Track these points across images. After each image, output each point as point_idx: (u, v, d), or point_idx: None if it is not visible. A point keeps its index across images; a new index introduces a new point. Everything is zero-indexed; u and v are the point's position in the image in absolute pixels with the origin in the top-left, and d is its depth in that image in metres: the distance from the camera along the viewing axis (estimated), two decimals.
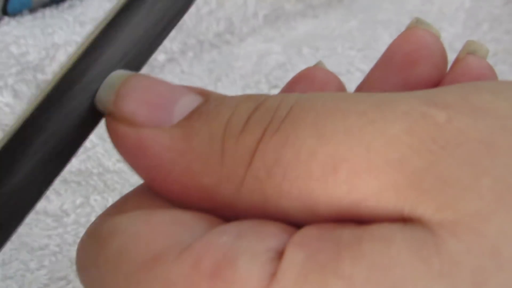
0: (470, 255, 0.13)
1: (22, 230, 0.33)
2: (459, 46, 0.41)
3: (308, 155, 0.15)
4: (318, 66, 0.22)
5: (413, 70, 0.20)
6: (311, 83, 0.22)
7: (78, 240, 0.33)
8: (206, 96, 0.18)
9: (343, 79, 0.41)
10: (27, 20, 0.40)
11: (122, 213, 0.16)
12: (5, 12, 0.42)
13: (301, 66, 0.42)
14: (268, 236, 0.15)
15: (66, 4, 0.42)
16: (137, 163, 0.17)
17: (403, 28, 0.21)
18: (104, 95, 0.17)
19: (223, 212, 0.16)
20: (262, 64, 0.42)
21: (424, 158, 0.14)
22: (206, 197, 0.16)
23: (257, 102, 0.16)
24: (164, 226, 0.15)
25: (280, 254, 0.14)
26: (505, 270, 0.13)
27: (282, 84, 0.40)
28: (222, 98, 0.17)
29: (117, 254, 0.15)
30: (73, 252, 0.33)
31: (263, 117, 0.16)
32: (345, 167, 0.14)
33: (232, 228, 0.15)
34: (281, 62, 0.42)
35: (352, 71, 0.41)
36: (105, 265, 0.15)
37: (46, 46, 0.39)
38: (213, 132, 0.16)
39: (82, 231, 0.34)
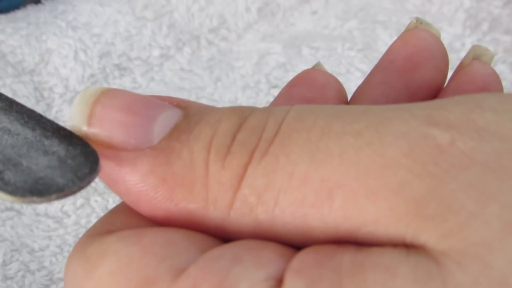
0: None
1: (22, 231, 0.33)
2: (459, 46, 0.41)
3: (301, 180, 0.14)
4: (317, 68, 0.22)
5: (415, 73, 0.20)
6: (310, 85, 0.21)
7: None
8: (185, 109, 0.16)
9: (343, 79, 0.41)
10: (21, 27, 0.41)
11: (110, 232, 0.15)
12: None
13: (301, 66, 0.42)
14: (266, 262, 0.14)
15: (59, 10, 0.42)
16: (118, 189, 0.16)
17: (403, 28, 0.21)
18: (77, 116, 0.16)
19: (214, 234, 0.15)
20: (262, 64, 0.42)
21: (426, 182, 0.13)
22: (194, 222, 0.15)
23: (240, 118, 0.15)
24: (156, 247, 0.15)
25: (279, 282, 0.13)
26: None
27: (282, 84, 0.40)
28: (202, 113, 0.16)
29: (108, 277, 0.14)
30: None
31: (250, 138, 0.15)
32: (341, 192, 0.14)
33: (228, 251, 0.14)
34: (281, 62, 0.42)
35: (352, 71, 0.41)
36: None
37: (41, 52, 0.40)
38: (195, 155, 0.15)
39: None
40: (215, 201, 0.15)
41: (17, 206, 0.34)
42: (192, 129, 0.15)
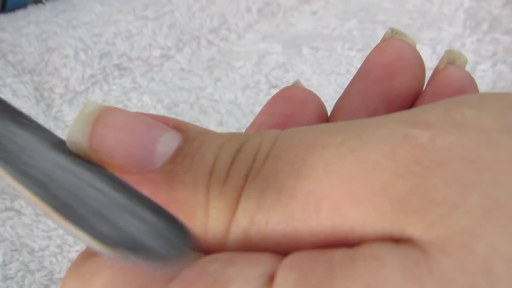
0: (462, 273, 0.13)
1: (22, 231, 0.33)
2: (459, 46, 0.41)
3: (289, 197, 0.14)
4: (296, 85, 0.22)
5: (393, 81, 0.20)
6: (290, 102, 0.21)
7: (78, 241, 0.33)
8: (184, 132, 0.16)
9: (343, 79, 0.41)
10: (21, 26, 0.41)
11: None
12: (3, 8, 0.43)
13: (301, 66, 0.42)
14: (259, 262, 0.14)
15: (59, 9, 0.42)
16: None
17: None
18: (78, 134, 0.15)
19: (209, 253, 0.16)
20: (262, 64, 0.42)
21: (408, 181, 0.14)
22: None
23: (239, 143, 0.16)
24: None
25: (272, 279, 0.14)
26: (497, 287, 0.13)
27: (282, 84, 0.41)
28: (202, 137, 0.16)
29: None
30: (73, 253, 0.33)
31: (245, 162, 0.15)
32: (327, 203, 0.14)
33: (222, 256, 0.15)
34: (281, 62, 0.42)
35: (352, 71, 0.41)
36: None
37: (41, 51, 0.40)
38: (198, 181, 0.15)
39: None
40: (213, 228, 0.15)
41: (17, 206, 0.34)
42: (194, 154, 0.15)
